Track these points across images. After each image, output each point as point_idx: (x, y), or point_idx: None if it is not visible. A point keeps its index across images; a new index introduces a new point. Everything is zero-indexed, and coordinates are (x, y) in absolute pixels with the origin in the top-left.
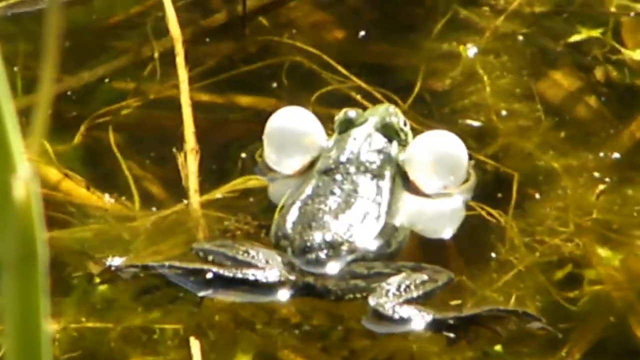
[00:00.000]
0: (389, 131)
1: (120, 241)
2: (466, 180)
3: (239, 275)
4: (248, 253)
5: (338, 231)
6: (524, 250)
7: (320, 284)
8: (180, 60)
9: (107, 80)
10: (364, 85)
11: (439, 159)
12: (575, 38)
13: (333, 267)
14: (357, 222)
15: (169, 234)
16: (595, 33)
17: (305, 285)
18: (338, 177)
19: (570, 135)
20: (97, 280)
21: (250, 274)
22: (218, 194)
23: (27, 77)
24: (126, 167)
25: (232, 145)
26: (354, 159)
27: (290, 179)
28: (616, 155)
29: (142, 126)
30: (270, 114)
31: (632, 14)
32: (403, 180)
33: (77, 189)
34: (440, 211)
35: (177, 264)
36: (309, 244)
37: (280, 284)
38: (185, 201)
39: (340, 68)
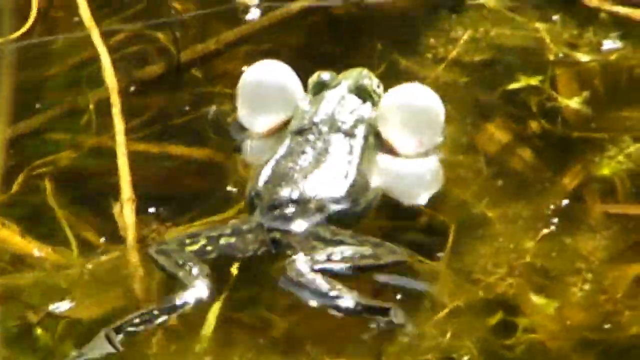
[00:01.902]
0: (362, 93)
1: (58, 289)
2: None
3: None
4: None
5: (306, 188)
6: (458, 292)
7: (285, 240)
8: (116, 110)
9: (43, 130)
10: None
11: (411, 113)
12: (513, 86)
13: (299, 225)
14: (326, 180)
15: (107, 283)
16: (534, 81)
17: (271, 241)
18: (311, 136)
19: (507, 185)
20: (36, 328)
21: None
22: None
23: None
24: (63, 216)
25: (167, 192)
26: (327, 120)
27: (264, 139)
28: (552, 205)
29: (79, 176)
30: (204, 163)
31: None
32: (377, 141)
33: (13, 237)
34: (415, 173)
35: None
36: (276, 200)
37: (248, 244)
38: (122, 248)
39: None
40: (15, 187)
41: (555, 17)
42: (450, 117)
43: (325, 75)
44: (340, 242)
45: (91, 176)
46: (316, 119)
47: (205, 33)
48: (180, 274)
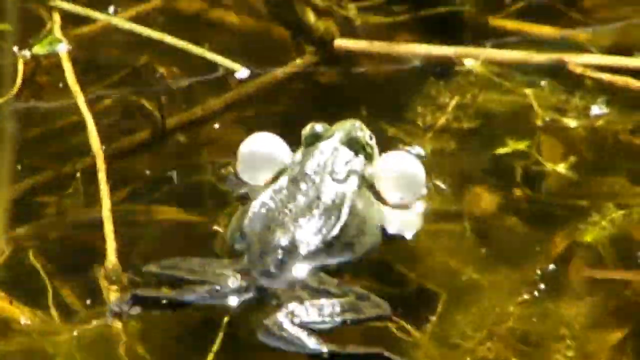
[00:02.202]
0: (355, 145)
1: (44, 355)
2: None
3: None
4: (195, 271)
5: (296, 234)
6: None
7: (270, 287)
8: (102, 176)
9: (29, 195)
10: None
11: (400, 179)
12: (501, 152)
13: (286, 271)
14: (317, 225)
15: (92, 349)
16: (521, 146)
17: (256, 288)
18: (302, 185)
19: (493, 252)
20: None
21: (200, 291)
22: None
23: None
24: (49, 281)
25: (152, 259)
26: (319, 170)
27: (261, 188)
28: (537, 270)
29: (65, 241)
30: (190, 227)
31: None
32: (368, 189)
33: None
34: (399, 217)
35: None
36: (265, 246)
37: (231, 291)
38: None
39: None
40: (1, 253)
41: (542, 83)
42: (437, 185)
43: (319, 126)
44: (325, 292)
45: (77, 241)
46: (308, 170)
47: (191, 99)
48: (201, 276)
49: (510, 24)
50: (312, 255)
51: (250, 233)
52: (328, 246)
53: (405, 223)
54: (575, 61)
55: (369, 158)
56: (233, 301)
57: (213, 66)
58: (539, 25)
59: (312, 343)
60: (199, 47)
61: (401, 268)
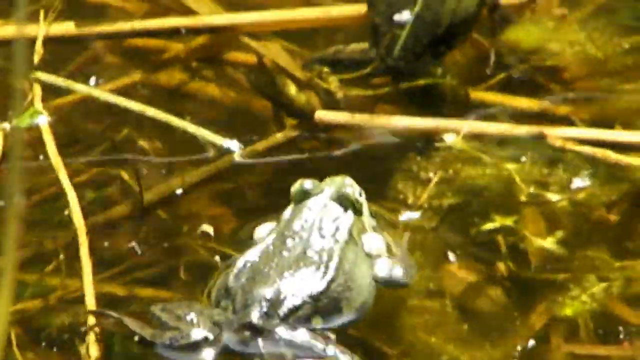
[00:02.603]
0: (344, 201)
1: None
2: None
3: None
4: (179, 317)
5: (281, 286)
6: None
7: (254, 343)
8: (84, 251)
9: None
10: None
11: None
12: (482, 228)
13: (271, 325)
14: (302, 280)
15: None
16: (502, 222)
17: (241, 340)
18: (289, 241)
19: (474, 328)
20: None
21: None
22: None
23: None
24: None
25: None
26: (307, 227)
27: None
28: (518, 346)
29: (46, 319)
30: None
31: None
32: (358, 246)
33: None
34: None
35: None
36: (250, 299)
37: (207, 344)
38: None
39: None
40: None
41: (523, 158)
42: (419, 263)
43: (308, 183)
44: (310, 349)
45: (58, 318)
46: (296, 226)
47: (171, 172)
48: (179, 324)
49: (491, 97)
50: (297, 309)
51: (235, 288)
52: (315, 300)
53: (401, 273)
54: (555, 134)
55: (358, 214)
56: (207, 355)
57: (196, 141)
58: (519, 98)
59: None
60: (181, 119)
61: (382, 346)
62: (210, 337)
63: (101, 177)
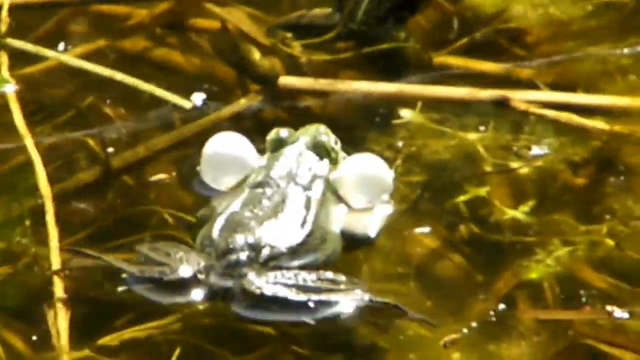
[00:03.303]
0: (320, 149)
1: None
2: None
3: (154, 275)
4: (168, 254)
5: (261, 236)
6: None
7: (237, 288)
8: (49, 217)
9: None
10: None
11: (366, 180)
12: (453, 200)
13: (252, 271)
14: (282, 229)
15: None
16: (470, 192)
17: (221, 289)
18: (268, 190)
19: (438, 295)
20: None
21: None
22: None
23: None
24: None
25: (101, 297)
26: (284, 175)
27: (225, 194)
28: (481, 311)
29: (12, 285)
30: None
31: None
32: (332, 194)
33: None
34: (363, 219)
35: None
36: (231, 246)
37: (196, 283)
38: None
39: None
40: None
41: (482, 127)
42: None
43: (284, 132)
44: (298, 287)
45: (24, 285)
46: (273, 174)
47: (136, 138)
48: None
49: (455, 61)
50: (274, 258)
51: (217, 236)
52: (292, 251)
53: (367, 225)
54: (519, 98)
55: (333, 162)
56: (196, 295)
57: (161, 106)
58: (482, 62)
59: (293, 295)
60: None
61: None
62: (200, 275)
63: (68, 144)
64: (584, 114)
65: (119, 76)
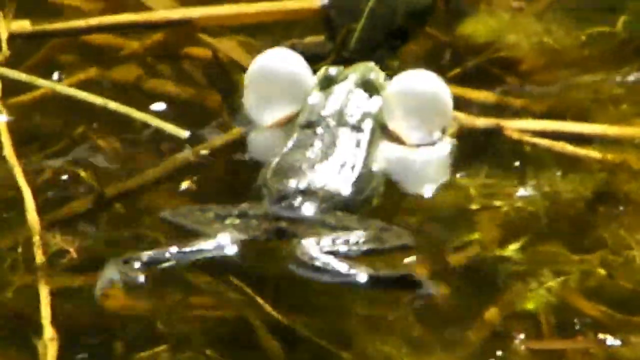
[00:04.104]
0: (369, 87)
1: None
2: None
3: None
4: (200, 221)
5: (314, 180)
6: None
7: (291, 229)
8: (37, 250)
9: None
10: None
11: (416, 101)
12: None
13: (305, 214)
14: (333, 172)
15: None
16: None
17: (276, 231)
18: (319, 130)
19: (428, 326)
20: None
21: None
22: None
23: None
24: None
25: (91, 329)
26: (335, 114)
27: (270, 132)
28: (474, 342)
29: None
30: (130, 309)
31: None
32: (384, 133)
33: None
34: (422, 162)
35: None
36: (284, 191)
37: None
38: None
39: None
40: None
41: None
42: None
43: (333, 69)
44: (346, 229)
45: (13, 315)
46: (324, 113)
47: (128, 168)
48: (203, 227)
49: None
50: (327, 200)
51: (271, 182)
52: (343, 193)
53: (423, 172)
54: (512, 126)
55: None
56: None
57: (154, 136)
58: (475, 91)
59: (345, 268)
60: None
61: (333, 347)
62: (238, 237)
63: (59, 175)
64: (576, 143)
65: (113, 105)
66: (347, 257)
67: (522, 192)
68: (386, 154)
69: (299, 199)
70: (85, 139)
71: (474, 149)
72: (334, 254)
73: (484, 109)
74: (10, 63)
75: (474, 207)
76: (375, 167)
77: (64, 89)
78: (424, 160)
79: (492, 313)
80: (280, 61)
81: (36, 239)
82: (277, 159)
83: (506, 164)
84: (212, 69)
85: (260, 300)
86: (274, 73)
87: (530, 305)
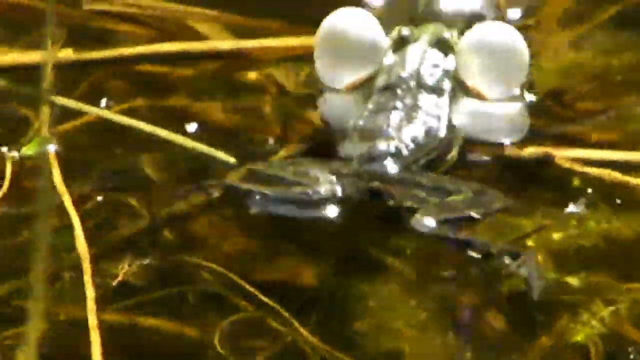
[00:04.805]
0: (443, 46)
1: None
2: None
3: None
4: (306, 173)
5: (400, 140)
6: None
7: (384, 188)
8: (87, 278)
9: (13, 298)
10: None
11: (493, 53)
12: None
13: (396, 174)
14: (418, 132)
15: None
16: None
17: (369, 190)
18: (399, 92)
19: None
20: None
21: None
22: None
23: None
24: None
25: None
26: (413, 74)
27: (344, 95)
28: None
29: (49, 348)
30: (176, 337)
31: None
32: (463, 89)
33: None
34: (501, 115)
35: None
36: (372, 153)
37: (344, 191)
38: None
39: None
40: None
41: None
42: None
43: (405, 30)
44: (440, 189)
45: (61, 348)
46: (402, 74)
47: (177, 195)
48: (301, 179)
49: None
50: (415, 161)
51: (358, 146)
52: (429, 153)
53: (504, 124)
54: (563, 155)
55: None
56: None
57: (203, 164)
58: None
59: (463, 236)
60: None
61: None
62: (338, 192)
63: (107, 202)
64: (628, 172)
65: (161, 132)
66: (458, 225)
67: (573, 221)
68: (466, 110)
69: (388, 159)
70: (133, 166)
71: (524, 178)
72: (447, 222)
73: (534, 138)
74: (58, 91)
75: (526, 233)
76: (457, 123)
77: (113, 115)
78: (504, 114)
79: (542, 343)
80: (353, 21)
81: (86, 266)
82: (360, 122)
83: (557, 194)
84: (264, 98)
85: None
86: (346, 34)
87: (581, 337)
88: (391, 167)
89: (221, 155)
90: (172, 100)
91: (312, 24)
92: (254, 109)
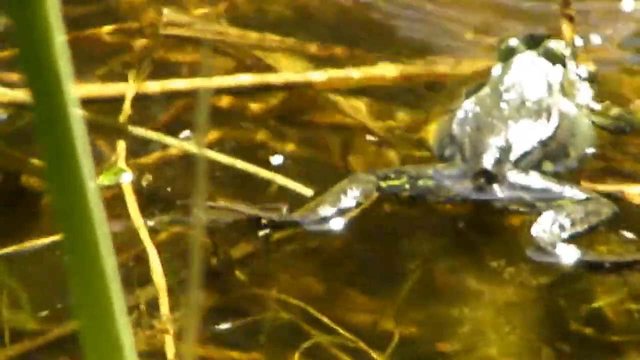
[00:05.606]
0: (551, 56)
1: None
2: None
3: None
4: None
5: (509, 138)
6: None
7: (489, 189)
8: (164, 309)
9: None
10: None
11: None
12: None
13: (504, 172)
14: (529, 128)
15: None
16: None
17: (477, 188)
18: (505, 95)
19: None
20: None
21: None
22: None
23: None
24: None
25: None
26: (520, 82)
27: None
28: None
29: None
30: None
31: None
32: (570, 98)
33: None
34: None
35: None
36: (480, 148)
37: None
38: None
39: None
40: None
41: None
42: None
43: (513, 40)
44: (548, 192)
45: None
46: (509, 81)
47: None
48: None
49: None
50: (527, 154)
51: (460, 136)
52: (544, 145)
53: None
54: (633, 192)
55: (567, 67)
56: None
57: (277, 194)
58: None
59: (582, 254)
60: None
61: None
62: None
63: (183, 235)
64: None
65: (240, 164)
66: (572, 236)
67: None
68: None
69: (497, 153)
70: (209, 198)
71: None
72: (570, 237)
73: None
74: (135, 123)
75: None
76: (581, 126)
77: (192, 147)
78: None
79: None
80: None
81: (163, 300)
82: (461, 114)
83: (629, 231)
84: (336, 132)
85: None
86: None
87: None
88: (499, 163)
89: (299, 187)
90: (246, 133)
91: (392, 52)
92: (332, 142)
